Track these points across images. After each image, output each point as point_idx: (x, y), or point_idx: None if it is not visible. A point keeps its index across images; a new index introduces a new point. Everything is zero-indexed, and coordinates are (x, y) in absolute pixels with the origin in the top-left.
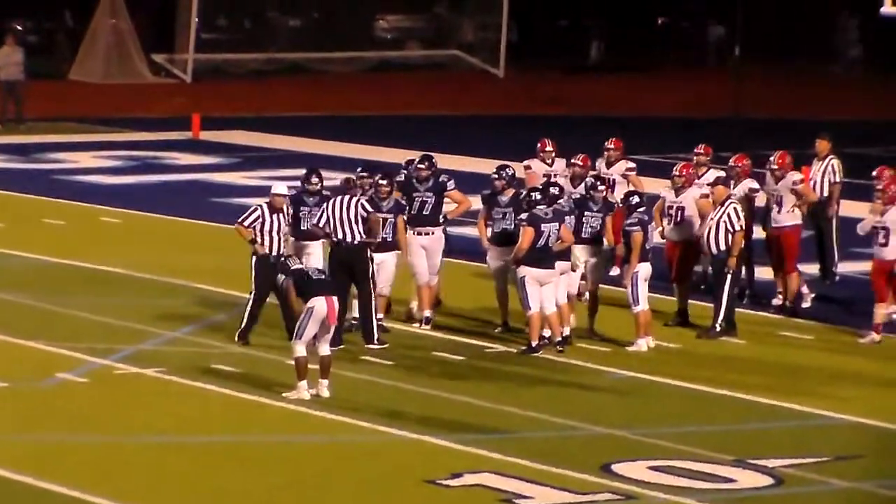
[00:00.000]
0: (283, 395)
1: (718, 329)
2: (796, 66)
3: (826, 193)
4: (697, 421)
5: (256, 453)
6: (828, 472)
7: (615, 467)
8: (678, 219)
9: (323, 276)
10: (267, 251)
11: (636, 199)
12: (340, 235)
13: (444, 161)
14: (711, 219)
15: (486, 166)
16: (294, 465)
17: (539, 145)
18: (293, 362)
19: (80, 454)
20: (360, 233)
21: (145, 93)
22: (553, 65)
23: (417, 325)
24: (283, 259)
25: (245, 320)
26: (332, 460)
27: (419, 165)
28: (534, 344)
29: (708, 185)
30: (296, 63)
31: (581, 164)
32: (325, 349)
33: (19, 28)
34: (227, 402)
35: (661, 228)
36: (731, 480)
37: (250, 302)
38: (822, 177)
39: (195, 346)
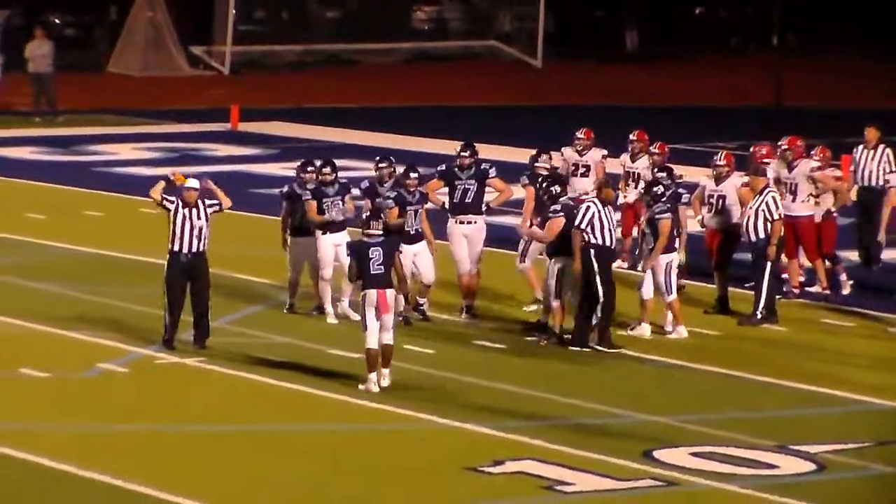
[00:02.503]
0: (359, 387)
1: (759, 316)
2: (840, 54)
3: (881, 182)
4: (739, 407)
5: (298, 442)
6: (870, 457)
7: (657, 454)
8: (719, 206)
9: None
10: (178, 246)
11: (660, 189)
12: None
13: (482, 151)
14: (750, 207)
15: (524, 156)
16: (336, 454)
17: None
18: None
19: (122, 443)
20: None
21: (183, 85)
22: (590, 55)
23: (458, 314)
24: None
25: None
26: (374, 449)
27: (462, 153)
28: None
29: (746, 174)
30: (333, 54)
31: (658, 151)
32: (385, 338)
33: (57, 21)
34: (269, 392)
35: (700, 217)
36: (773, 466)
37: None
38: (878, 165)
39: (236, 336)
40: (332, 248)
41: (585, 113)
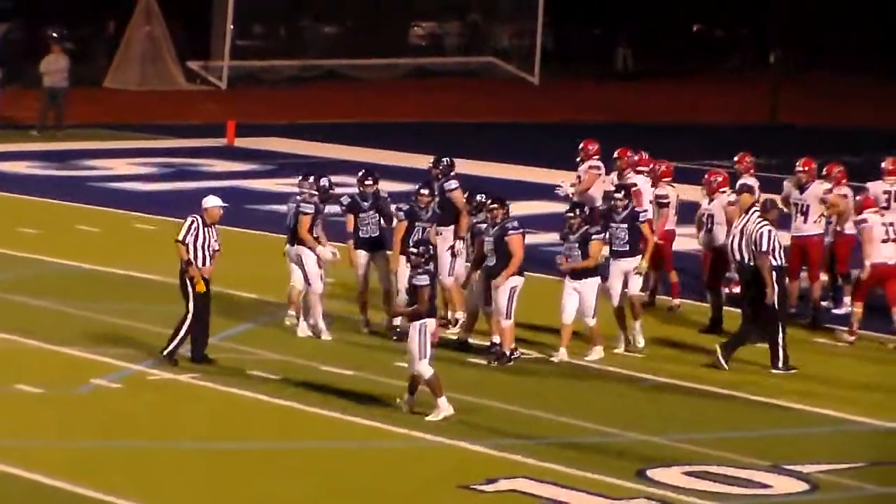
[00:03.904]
0: (427, 418)
1: (782, 365)
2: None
3: None
4: (732, 427)
5: (291, 460)
6: (863, 477)
7: (650, 473)
8: (709, 226)
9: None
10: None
11: (617, 205)
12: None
13: (478, 168)
14: (736, 226)
15: (519, 173)
16: (329, 471)
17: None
18: (426, 385)
19: (115, 460)
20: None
21: (180, 100)
22: (587, 72)
23: (451, 326)
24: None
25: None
26: (366, 466)
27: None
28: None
29: (734, 192)
30: (331, 70)
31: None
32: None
33: (55, 35)
34: (262, 409)
35: (698, 236)
36: (766, 486)
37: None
38: None
39: (230, 352)
40: (318, 264)
41: (583, 130)
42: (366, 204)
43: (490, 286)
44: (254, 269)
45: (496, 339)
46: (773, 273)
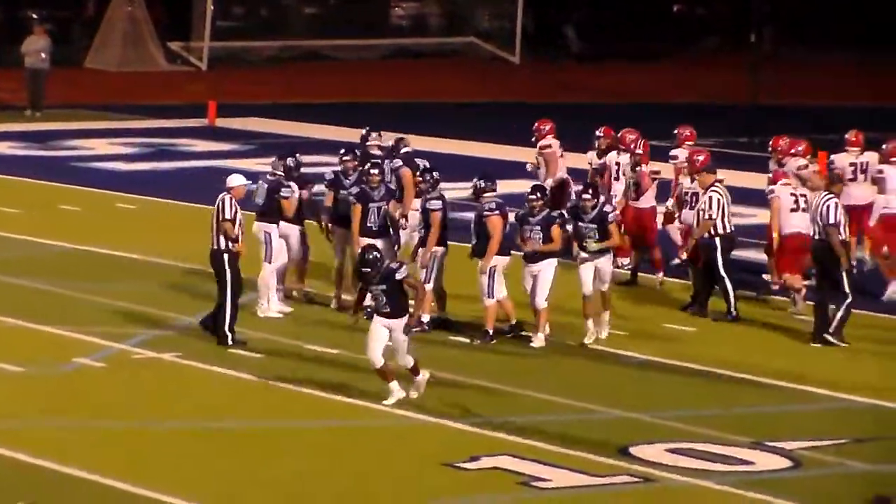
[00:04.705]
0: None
1: (735, 313)
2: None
3: None
4: (715, 404)
5: (275, 439)
6: (846, 454)
7: (633, 450)
8: (692, 203)
9: None
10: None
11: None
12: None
13: (460, 147)
14: (700, 206)
15: (502, 152)
16: (312, 449)
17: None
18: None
19: (100, 439)
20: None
21: (161, 80)
22: (568, 53)
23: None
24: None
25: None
26: (350, 444)
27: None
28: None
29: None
30: (312, 50)
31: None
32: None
33: (35, 16)
34: (245, 388)
35: (678, 214)
36: (749, 463)
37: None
38: None
39: (212, 331)
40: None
41: (563, 110)
42: (347, 181)
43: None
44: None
45: (514, 321)
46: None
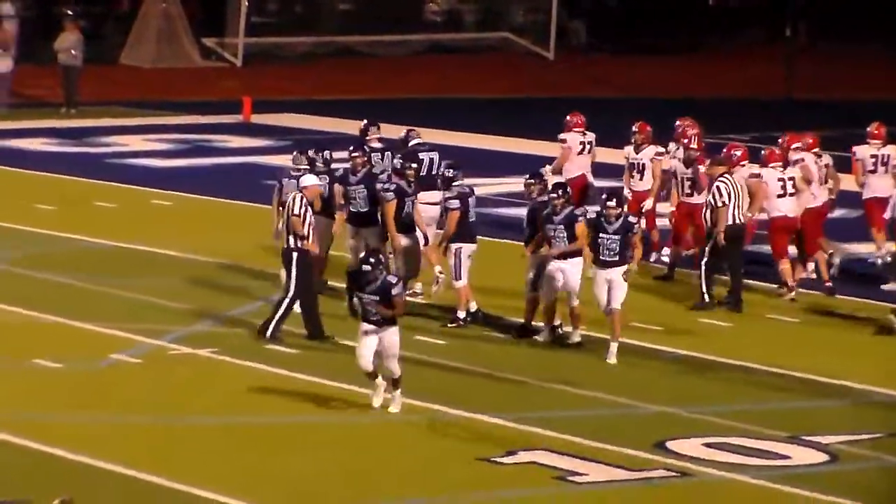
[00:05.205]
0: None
1: (706, 300)
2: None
3: None
4: (751, 398)
5: (310, 434)
6: (882, 448)
7: (669, 444)
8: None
9: None
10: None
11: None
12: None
13: (496, 143)
14: (708, 194)
15: (536, 148)
16: (349, 445)
17: (573, 120)
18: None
19: (135, 434)
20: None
21: (196, 77)
22: (602, 48)
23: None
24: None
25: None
26: (386, 440)
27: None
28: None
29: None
30: (346, 46)
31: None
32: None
33: (69, 13)
34: (281, 384)
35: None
36: (785, 457)
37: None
38: None
39: (248, 327)
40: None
41: (598, 105)
42: (353, 178)
43: (540, 272)
44: (270, 244)
45: (556, 322)
46: None
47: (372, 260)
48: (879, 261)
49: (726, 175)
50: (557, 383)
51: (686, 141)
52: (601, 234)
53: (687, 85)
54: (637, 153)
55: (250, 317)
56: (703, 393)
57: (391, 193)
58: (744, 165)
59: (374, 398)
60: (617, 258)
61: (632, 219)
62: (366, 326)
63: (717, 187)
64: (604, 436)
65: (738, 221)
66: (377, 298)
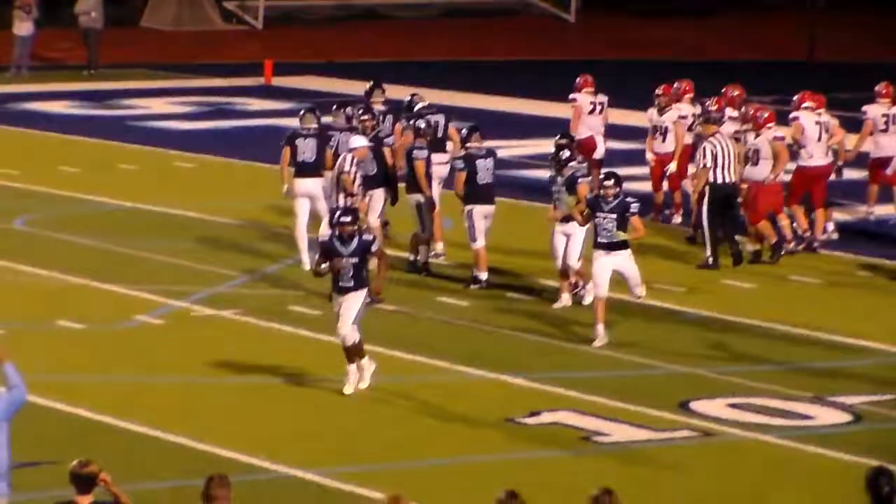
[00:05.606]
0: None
1: (711, 261)
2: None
3: None
4: (775, 359)
5: (334, 395)
6: None
7: (693, 405)
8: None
9: None
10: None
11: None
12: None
13: (516, 105)
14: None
15: (557, 110)
16: (372, 405)
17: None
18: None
19: (159, 394)
20: None
21: (217, 39)
22: (623, 10)
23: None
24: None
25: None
26: (411, 400)
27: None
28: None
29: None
30: (367, 9)
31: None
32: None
33: None
34: (305, 344)
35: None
36: (809, 417)
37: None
38: None
39: (271, 289)
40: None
41: (619, 68)
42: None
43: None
44: (291, 206)
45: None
46: None
47: (350, 216)
48: (872, 217)
49: (717, 135)
50: (579, 344)
51: (756, 112)
52: (598, 214)
53: (708, 48)
54: (660, 115)
55: (273, 278)
56: (726, 354)
57: (460, 162)
58: (770, 127)
59: (346, 385)
60: (616, 240)
61: (629, 198)
62: (339, 298)
63: (704, 148)
64: (627, 396)
65: (727, 181)
66: (357, 261)
